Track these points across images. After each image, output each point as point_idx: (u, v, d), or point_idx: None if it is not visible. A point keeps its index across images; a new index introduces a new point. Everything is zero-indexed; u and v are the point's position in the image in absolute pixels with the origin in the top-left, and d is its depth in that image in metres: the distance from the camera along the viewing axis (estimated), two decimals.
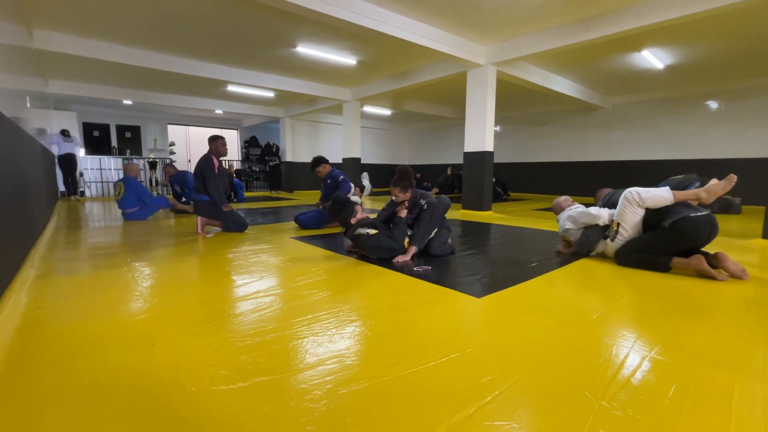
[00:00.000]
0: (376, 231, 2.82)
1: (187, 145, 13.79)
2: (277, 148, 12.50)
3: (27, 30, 4.57)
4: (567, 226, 3.01)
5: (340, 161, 9.65)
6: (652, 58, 5.97)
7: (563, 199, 3.30)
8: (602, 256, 2.88)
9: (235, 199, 8.57)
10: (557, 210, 3.30)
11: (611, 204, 2.90)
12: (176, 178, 6.35)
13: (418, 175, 12.27)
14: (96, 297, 2.00)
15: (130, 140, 11.48)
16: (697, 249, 2.46)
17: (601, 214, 2.79)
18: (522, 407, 1.04)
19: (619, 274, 2.47)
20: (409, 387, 1.14)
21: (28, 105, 4.01)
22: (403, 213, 2.92)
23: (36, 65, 5.49)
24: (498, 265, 2.73)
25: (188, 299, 1.97)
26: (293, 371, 1.23)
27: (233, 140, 14.01)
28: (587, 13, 4.52)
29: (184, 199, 6.19)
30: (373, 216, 3.20)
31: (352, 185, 4.86)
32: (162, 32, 5.28)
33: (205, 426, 0.97)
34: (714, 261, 2.39)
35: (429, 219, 2.89)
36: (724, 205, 6.17)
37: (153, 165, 10.28)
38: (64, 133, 8.04)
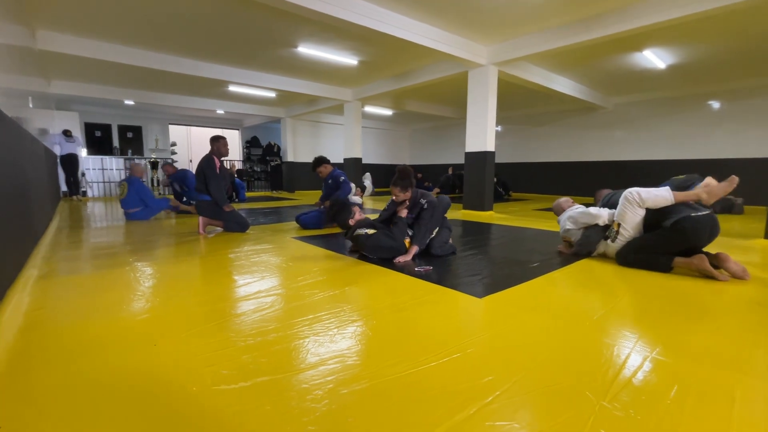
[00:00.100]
0: (375, 231, 2.82)
1: (189, 145, 13.81)
2: (279, 148, 12.51)
3: (29, 30, 4.58)
4: (567, 227, 3.01)
5: (341, 161, 9.65)
6: (654, 58, 5.96)
7: (563, 200, 3.31)
8: (603, 257, 2.88)
9: (236, 199, 8.59)
10: (557, 211, 3.30)
11: (611, 205, 2.89)
12: (175, 177, 6.36)
13: (419, 175, 12.27)
14: (98, 297, 2.01)
15: (131, 140, 11.50)
16: (698, 249, 2.45)
17: (601, 214, 2.79)
18: (523, 407, 1.04)
19: (621, 274, 2.47)
20: (410, 387, 1.14)
21: (31, 105, 4.03)
22: (404, 213, 2.93)
23: (38, 66, 5.52)
24: (499, 265, 2.73)
25: (190, 299, 1.97)
26: (294, 371, 1.23)
27: (235, 140, 14.02)
28: (588, 13, 4.52)
29: (185, 199, 6.21)
30: (374, 216, 3.21)
31: (353, 185, 4.86)
32: (163, 32, 5.29)
33: (206, 425, 0.97)
34: (715, 261, 2.38)
35: (430, 218, 2.90)
36: (726, 206, 6.15)
37: (154, 165, 10.30)
38: (66, 134, 8.06)
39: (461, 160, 6.75)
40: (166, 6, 4.46)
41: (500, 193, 9.38)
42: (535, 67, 6.59)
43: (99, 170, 9.70)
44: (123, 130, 11.40)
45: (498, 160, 10.35)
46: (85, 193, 9.27)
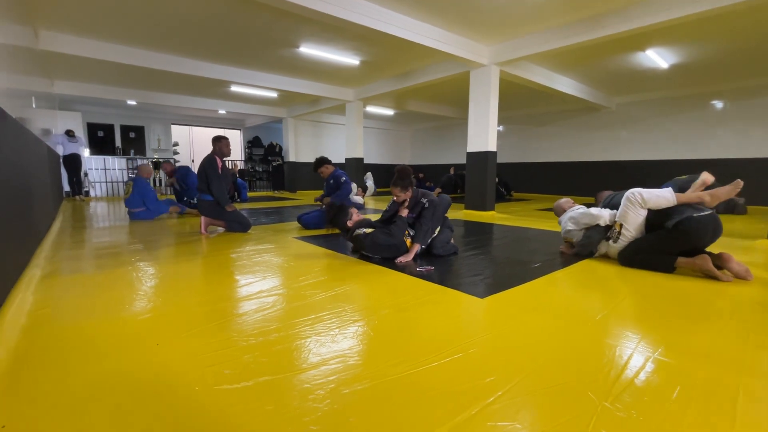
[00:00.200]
0: (373, 229, 2.83)
1: (191, 145, 13.84)
2: (280, 148, 12.53)
3: (33, 31, 4.60)
4: (569, 228, 3.00)
5: (343, 161, 9.66)
6: (657, 58, 5.94)
7: (564, 200, 3.31)
8: (605, 258, 2.87)
9: (238, 199, 8.59)
10: (558, 212, 3.30)
11: (612, 206, 2.88)
12: (179, 173, 6.31)
13: (421, 176, 12.27)
14: (100, 296, 2.02)
15: (134, 140, 11.54)
16: (701, 249, 2.44)
17: (602, 214, 2.78)
18: (525, 408, 1.04)
19: (623, 274, 2.46)
20: (411, 387, 1.14)
21: (34, 105, 4.04)
22: (405, 212, 2.93)
23: (42, 66, 5.53)
24: (501, 265, 2.73)
25: (192, 299, 1.98)
26: (296, 371, 1.23)
27: (236, 140, 14.06)
28: (590, 13, 4.51)
29: (185, 198, 6.19)
30: (376, 217, 3.21)
31: (355, 185, 4.87)
32: (165, 33, 5.30)
33: (208, 425, 0.97)
34: (718, 261, 2.37)
35: (431, 216, 2.90)
36: (728, 206, 6.12)
37: (157, 165, 10.33)
38: (69, 134, 8.09)
39: (463, 160, 6.74)
40: (167, 6, 4.47)
41: (502, 193, 9.37)
42: (537, 67, 6.58)
43: (101, 170, 9.74)
44: (125, 130, 11.44)
45: (500, 160, 10.32)
46: (87, 193, 9.30)
